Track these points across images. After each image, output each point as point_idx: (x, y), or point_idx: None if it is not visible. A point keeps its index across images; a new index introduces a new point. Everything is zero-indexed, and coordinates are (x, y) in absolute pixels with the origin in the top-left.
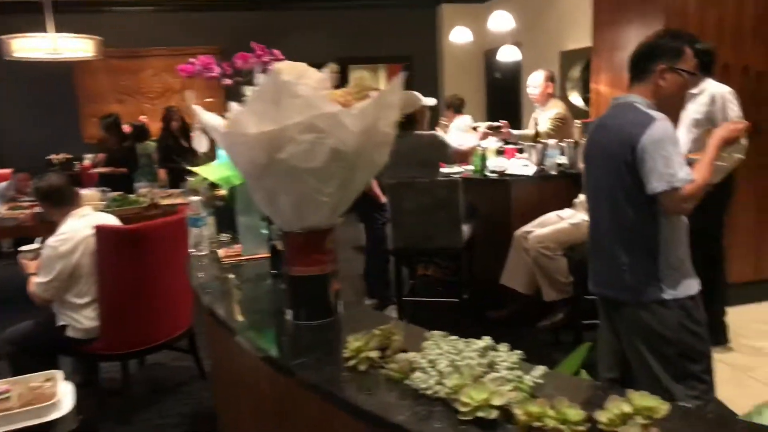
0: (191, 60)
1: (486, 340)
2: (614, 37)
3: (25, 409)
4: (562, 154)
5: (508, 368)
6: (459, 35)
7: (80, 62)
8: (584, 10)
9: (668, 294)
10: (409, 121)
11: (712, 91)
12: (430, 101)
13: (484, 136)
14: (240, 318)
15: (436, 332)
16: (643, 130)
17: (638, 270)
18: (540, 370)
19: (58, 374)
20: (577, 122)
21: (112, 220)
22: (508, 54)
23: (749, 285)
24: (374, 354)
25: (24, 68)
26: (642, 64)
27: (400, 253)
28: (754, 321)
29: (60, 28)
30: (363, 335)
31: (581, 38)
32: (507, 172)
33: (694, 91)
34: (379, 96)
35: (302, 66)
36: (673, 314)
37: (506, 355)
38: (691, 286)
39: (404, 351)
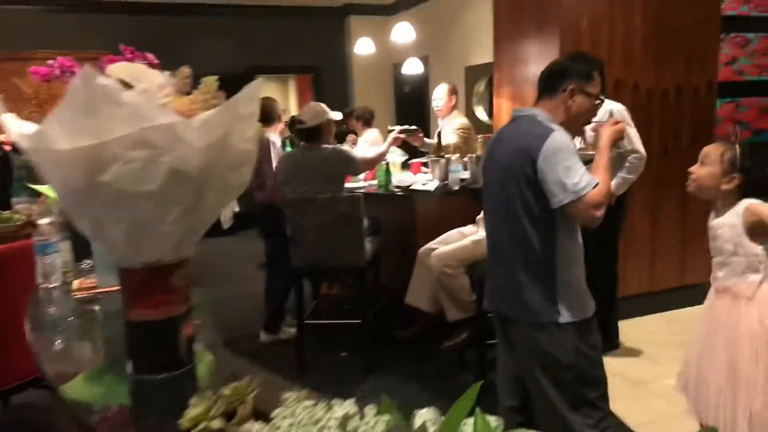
0: (49, 62)
1: (348, 405)
2: (514, 52)
3: None
4: (465, 169)
5: None
6: (365, 47)
7: None
8: (487, 26)
9: (565, 316)
10: (314, 134)
11: (608, 107)
12: (336, 115)
13: (396, 141)
14: (68, 369)
15: (292, 394)
16: (542, 142)
17: (536, 289)
18: None
19: None
20: (479, 137)
21: None
22: (413, 67)
23: (645, 296)
24: (217, 424)
25: None
26: (552, 81)
27: (301, 272)
28: (650, 332)
29: None
30: (208, 397)
31: (485, 54)
32: (411, 187)
33: None
34: (228, 105)
35: (139, 67)
36: (568, 338)
37: (372, 422)
38: (587, 308)
39: (258, 415)
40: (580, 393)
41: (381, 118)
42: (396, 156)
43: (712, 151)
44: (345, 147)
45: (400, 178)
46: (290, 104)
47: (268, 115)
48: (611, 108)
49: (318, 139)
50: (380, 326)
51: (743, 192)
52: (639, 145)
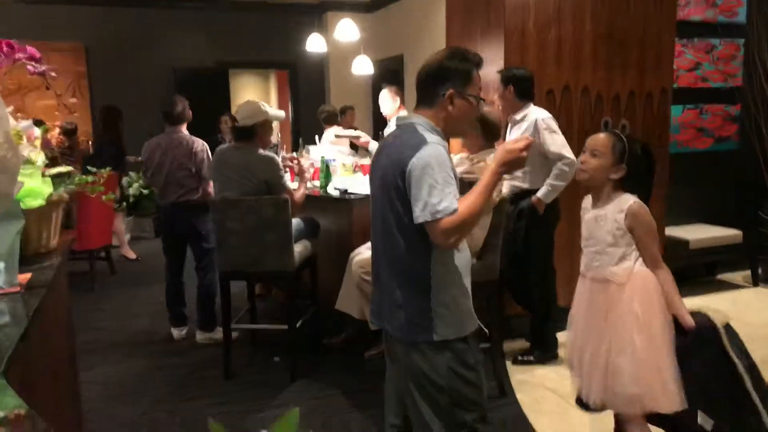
0: None
1: None
2: None
3: None
4: None
5: None
6: (316, 44)
7: None
8: None
9: (438, 335)
10: (246, 134)
11: (534, 116)
12: (278, 114)
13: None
14: None
15: None
16: (413, 154)
17: (410, 306)
18: None
19: None
20: None
21: None
22: (363, 66)
23: None
24: None
25: None
26: (430, 87)
27: (227, 276)
28: None
29: None
30: None
31: None
32: (349, 190)
33: (516, 116)
34: None
35: None
36: (443, 358)
37: None
38: (465, 326)
39: None
40: (455, 415)
41: (360, 115)
42: (345, 157)
43: (601, 142)
44: (276, 158)
45: (340, 180)
46: (271, 99)
47: (182, 114)
48: (536, 116)
49: (251, 140)
50: (311, 332)
51: (624, 182)
52: (566, 151)
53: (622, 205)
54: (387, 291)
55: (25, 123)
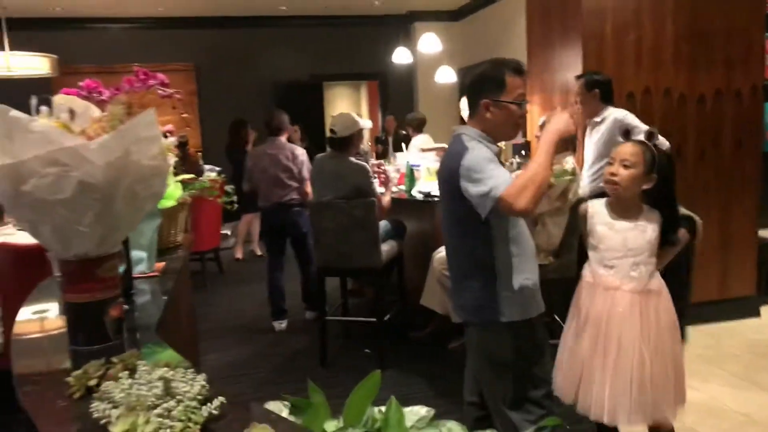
0: (80, 84)
1: (164, 371)
2: (544, 60)
3: None
4: None
5: (189, 399)
6: (402, 56)
7: (57, 80)
8: None
9: (505, 317)
10: (343, 144)
11: (613, 116)
12: (367, 123)
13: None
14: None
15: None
16: (459, 161)
17: (479, 291)
18: (217, 401)
19: None
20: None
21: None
22: (446, 76)
23: (714, 304)
24: (93, 383)
25: None
26: (471, 99)
27: (321, 273)
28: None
29: (29, 46)
30: (99, 363)
31: None
32: (432, 193)
33: (596, 119)
34: (123, 129)
35: (75, 100)
36: (509, 337)
37: (189, 385)
38: (531, 309)
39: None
40: (522, 390)
41: (447, 123)
42: (431, 162)
43: (633, 152)
44: (368, 166)
45: (424, 184)
46: (362, 109)
47: (280, 125)
48: (615, 116)
49: (347, 149)
50: (398, 325)
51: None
52: None
53: (654, 216)
54: (457, 281)
55: (171, 140)
